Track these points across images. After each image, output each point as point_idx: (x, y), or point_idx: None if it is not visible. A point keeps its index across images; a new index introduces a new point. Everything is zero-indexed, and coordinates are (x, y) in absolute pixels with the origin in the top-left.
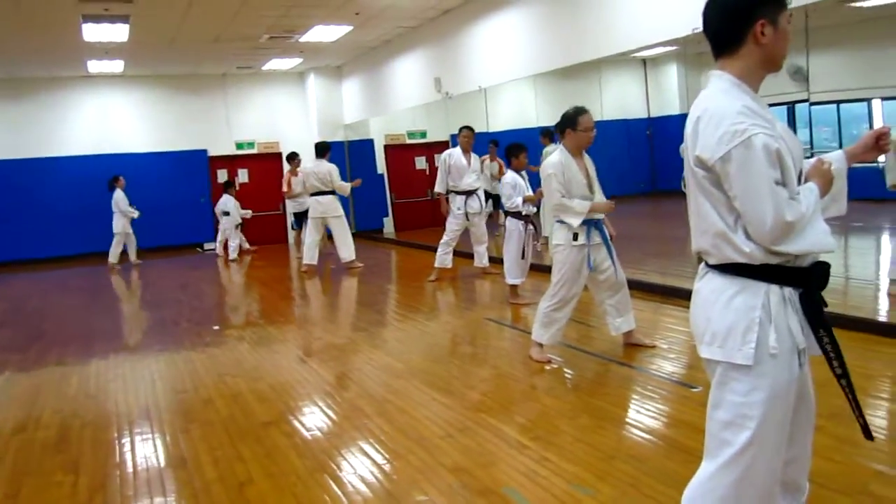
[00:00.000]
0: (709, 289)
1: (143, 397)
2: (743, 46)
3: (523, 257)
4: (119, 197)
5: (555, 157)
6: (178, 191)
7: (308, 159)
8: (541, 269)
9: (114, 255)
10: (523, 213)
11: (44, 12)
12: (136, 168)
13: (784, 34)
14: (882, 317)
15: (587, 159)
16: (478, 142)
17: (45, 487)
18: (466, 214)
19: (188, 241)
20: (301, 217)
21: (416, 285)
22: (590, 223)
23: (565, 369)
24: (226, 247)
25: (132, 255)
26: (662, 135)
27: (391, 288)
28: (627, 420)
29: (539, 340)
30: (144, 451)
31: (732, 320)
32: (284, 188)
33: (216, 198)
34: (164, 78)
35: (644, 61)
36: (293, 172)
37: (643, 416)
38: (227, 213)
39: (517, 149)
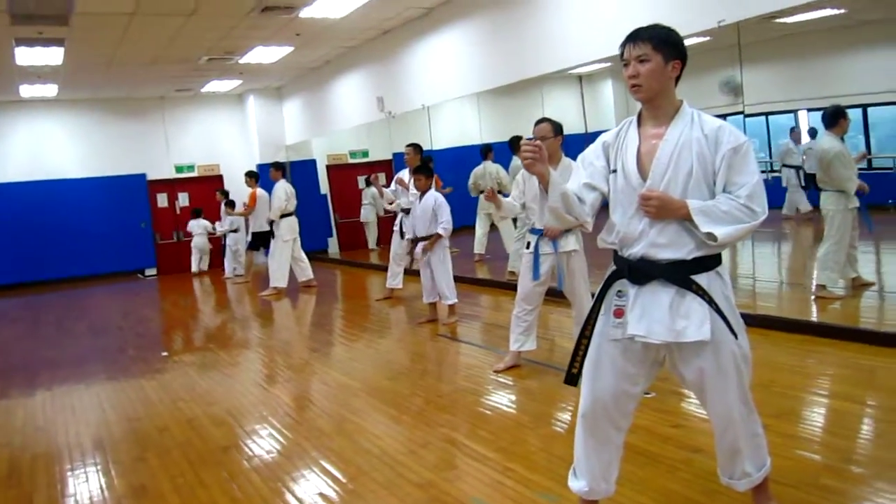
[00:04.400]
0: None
1: (94, 427)
2: None
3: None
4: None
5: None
6: (116, 216)
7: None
8: (470, 281)
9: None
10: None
11: None
12: (73, 194)
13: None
14: (813, 318)
15: (562, 166)
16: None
17: None
18: (402, 233)
19: (128, 267)
20: (260, 239)
21: (365, 304)
22: (538, 232)
23: (523, 381)
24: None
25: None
26: None
27: (340, 307)
28: None
29: (511, 348)
30: (101, 481)
31: None
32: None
33: (158, 222)
34: (100, 101)
35: (580, 77)
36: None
37: None
38: (235, 231)
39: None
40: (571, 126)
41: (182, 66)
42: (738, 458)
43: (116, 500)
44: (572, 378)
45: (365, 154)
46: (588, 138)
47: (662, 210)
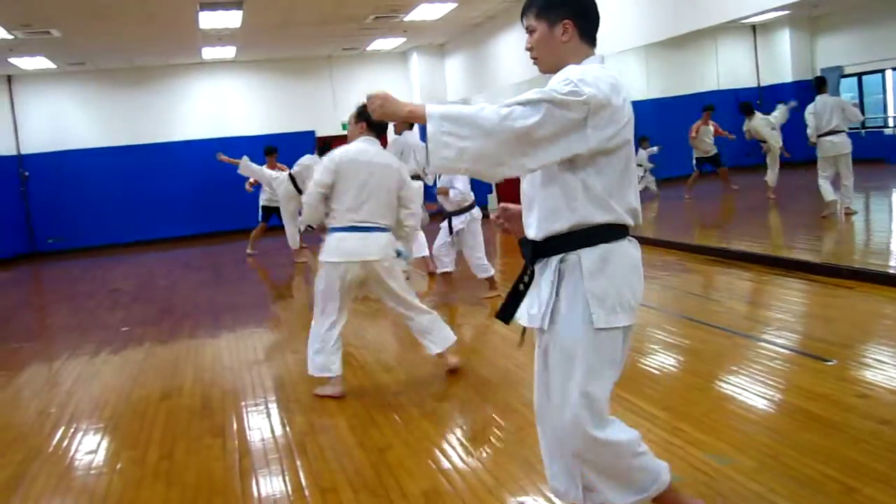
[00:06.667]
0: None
1: (274, 367)
2: None
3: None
4: None
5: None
6: None
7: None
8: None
9: None
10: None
11: (163, 2)
12: (248, 150)
13: None
14: None
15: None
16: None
17: (196, 450)
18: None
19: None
20: (271, 212)
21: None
22: None
23: (691, 342)
24: None
25: None
26: (774, 104)
27: (499, 262)
28: (759, 392)
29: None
30: (283, 417)
31: None
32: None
33: None
34: (273, 62)
35: (753, 27)
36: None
37: (775, 389)
38: None
39: None
40: (743, 79)
41: (350, 26)
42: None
43: (298, 435)
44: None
45: None
46: (762, 92)
47: (382, 108)
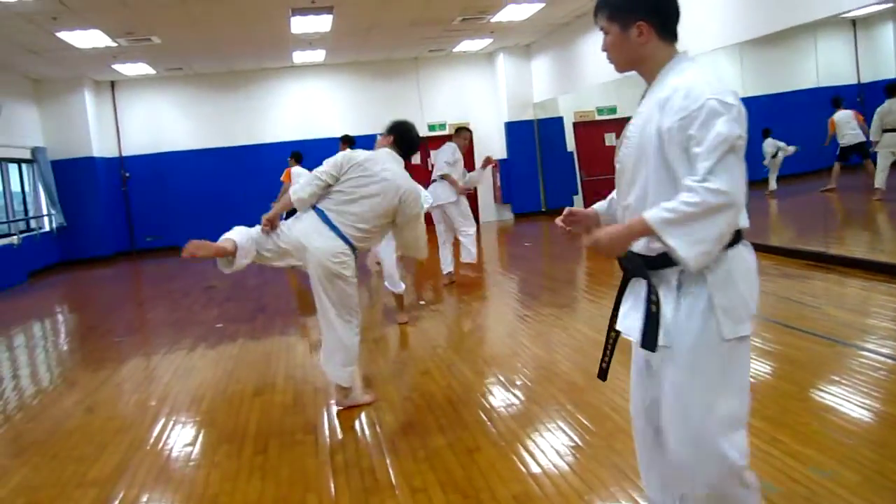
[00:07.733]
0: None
1: (364, 366)
2: None
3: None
4: None
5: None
6: None
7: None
8: None
9: None
10: None
11: (257, 8)
12: (336, 153)
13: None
14: None
15: None
16: None
17: (289, 446)
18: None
19: None
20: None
21: (612, 263)
22: None
23: (789, 350)
24: None
25: None
26: (876, 102)
27: (586, 265)
28: (862, 404)
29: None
30: (374, 416)
31: None
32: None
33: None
34: (360, 64)
35: (853, 22)
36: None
37: (880, 401)
38: None
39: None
40: (842, 76)
41: (437, 27)
42: None
43: (389, 434)
44: (601, 373)
45: (612, 111)
46: (863, 89)
47: (611, 248)
